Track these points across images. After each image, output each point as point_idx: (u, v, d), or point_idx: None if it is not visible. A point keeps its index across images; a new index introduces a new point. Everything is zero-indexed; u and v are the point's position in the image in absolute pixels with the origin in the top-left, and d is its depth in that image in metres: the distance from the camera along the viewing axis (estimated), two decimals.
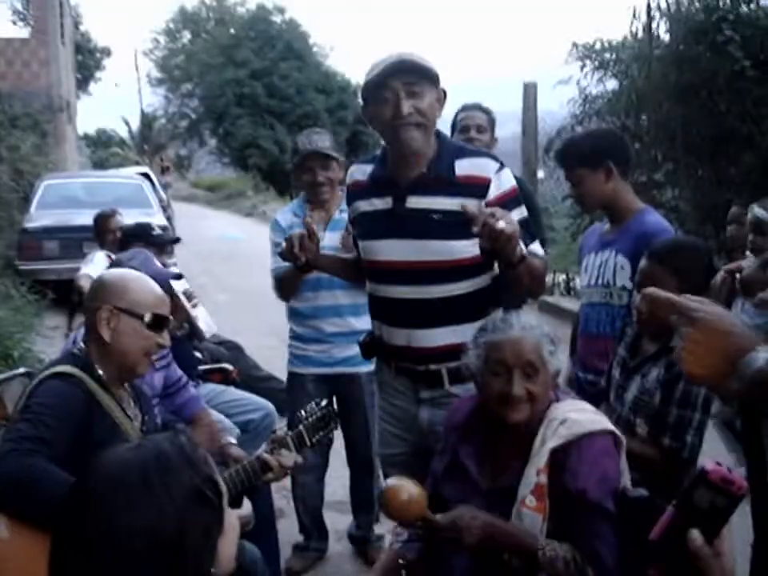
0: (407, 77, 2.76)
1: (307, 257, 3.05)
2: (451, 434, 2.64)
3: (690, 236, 3.19)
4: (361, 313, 3.93)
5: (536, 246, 2.92)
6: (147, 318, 2.66)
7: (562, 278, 11.17)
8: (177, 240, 4.02)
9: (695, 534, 1.08)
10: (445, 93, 2.90)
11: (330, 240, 3.88)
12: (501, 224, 2.46)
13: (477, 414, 2.57)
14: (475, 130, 4.29)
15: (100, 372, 2.62)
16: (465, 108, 4.45)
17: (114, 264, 3.97)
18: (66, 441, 2.41)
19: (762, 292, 3.23)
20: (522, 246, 2.66)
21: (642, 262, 2.92)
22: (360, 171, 3.10)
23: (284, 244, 3.94)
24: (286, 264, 3.95)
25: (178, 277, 4.05)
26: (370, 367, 3.88)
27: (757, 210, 3.62)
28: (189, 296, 4.23)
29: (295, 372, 4.23)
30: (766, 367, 1.36)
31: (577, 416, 2.39)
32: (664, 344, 2.83)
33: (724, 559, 1.10)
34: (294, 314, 4.21)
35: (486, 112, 4.44)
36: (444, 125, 3.01)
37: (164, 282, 3.63)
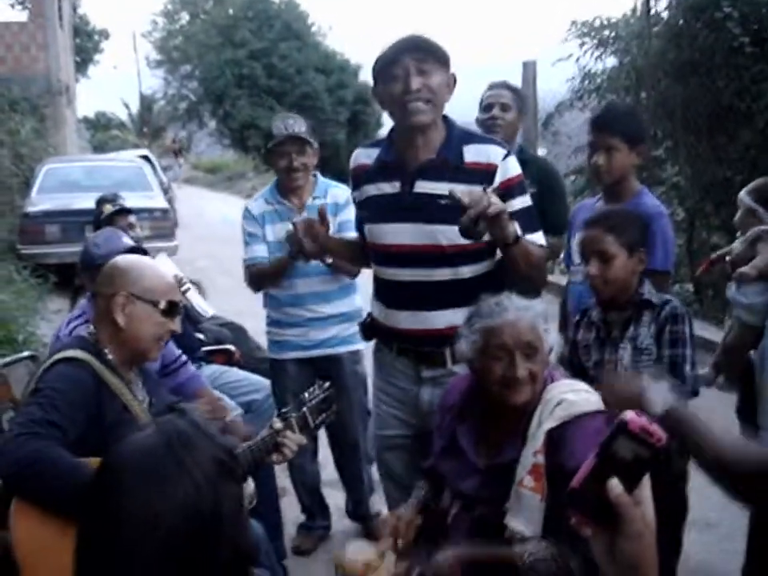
0: (418, 54, 2.79)
1: (315, 242, 3.09)
2: (446, 414, 2.68)
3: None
4: (335, 299, 4.05)
5: (537, 236, 2.96)
6: (162, 304, 2.73)
7: (562, 255, 11.15)
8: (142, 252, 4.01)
9: (614, 483, 1.12)
10: (455, 77, 2.92)
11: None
12: (484, 203, 2.52)
13: (472, 395, 2.61)
14: (499, 108, 4.23)
15: (110, 356, 2.67)
16: (491, 86, 4.40)
17: (86, 246, 3.99)
18: (77, 424, 2.45)
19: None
20: (516, 227, 2.70)
21: (581, 233, 3.10)
22: (365, 155, 3.12)
23: (257, 233, 4.01)
24: (262, 255, 4.00)
25: (140, 251, 4.04)
26: (349, 348, 4.03)
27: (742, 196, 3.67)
28: (179, 282, 4.25)
29: (276, 358, 4.25)
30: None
31: (573, 397, 2.43)
32: (634, 306, 3.00)
33: (643, 508, 1.14)
34: (271, 301, 4.22)
35: (513, 90, 4.39)
36: (460, 108, 3.04)
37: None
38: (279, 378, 4.19)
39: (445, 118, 2.98)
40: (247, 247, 4.13)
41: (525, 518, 2.33)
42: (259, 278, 4.08)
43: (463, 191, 2.62)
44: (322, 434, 4.38)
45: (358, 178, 3.15)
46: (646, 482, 1.16)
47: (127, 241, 4.09)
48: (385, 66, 2.85)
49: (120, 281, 2.70)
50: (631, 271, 2.99)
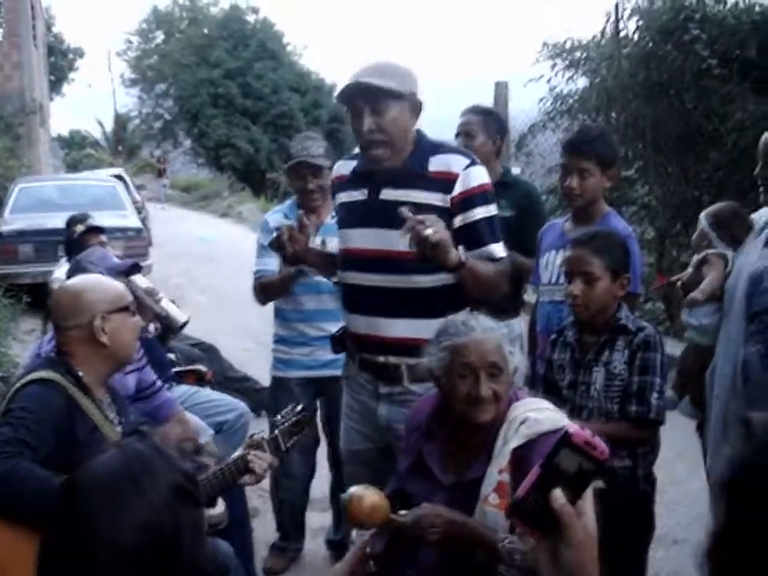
0: (370, 97, 2.88)
1: (295, 248, 3.11)
2: (413, 434, 2.70)
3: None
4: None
5: (496, 247, 3.01)
6: (131, 306, 2.84)
7: None
8: (138, 268, 4.04)
9: (558, 494, 1.15)
10: (420, 103, 3.00)
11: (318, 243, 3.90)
12: (428, 231, 2.58)
13: (438, 414, 2.64)
14: (464, 136, 4.22)
15: (81, 374, 2.69)
16: (461, 113, 4.37)
17: (73, 266, 4.02)
18: (49, 444, 2.48)
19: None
20: (461, 253, 2.75)
21: (568, 252, 3.13)
22: (345, 166, 3.23)
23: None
24: (271, 268, 4.01)
25: (136, 267, 4.07)
26: None
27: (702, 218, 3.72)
28: (150, 292, 4.26)
29: (279, 376, 4.25)
30: None
31: (536, 415, 2.46)
32: (609, 330, 3.02)
33: (585, 518, 1.17)
34: (280, 316, 4.23)
35: (482, 113, 4.35)
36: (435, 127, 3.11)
37: (123, 273, 3.75)
38: (281, 397, 4.14)
39: (416, 132, 3.06)
40: (258, 259, 4.14)
41: None
42: (265, 289, 4.07)
43: (413, 215, 2.67)
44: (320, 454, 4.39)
45: (335, 188, 3.26)
46: (589, 493, 1.19)
47: (116, 260, 4.12)
48: (345, 104, 2.98)
49: (88, 306, 2.74)
50: (612, 295, 3.02)
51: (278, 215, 4.28)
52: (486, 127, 4.24)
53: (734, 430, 3.12)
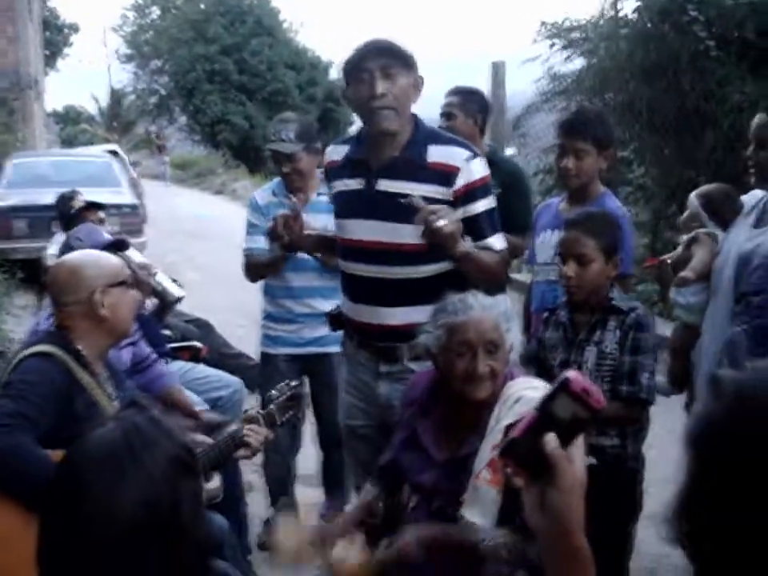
0: (383, 59, 2.86)
1: (291, 236, 3.14)
2: (408, 408, 2.72)
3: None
4: (330, 296, 3.97)
5: (495, 239, 3.03)
6: (128, 279, 2.86)
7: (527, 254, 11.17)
8: (125, 245, 4.02)
9: (551, 438, 1.17)
10: (422, 79, 2.99)
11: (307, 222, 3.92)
12: (440, 222, 2.59)
13: (434, 389, 2.65)
14: (445, 118, 4.25)
15: (79, 348, 2.70)
16: (445, 94, 4.40)
17: (64, 243, 4.03)
18: (48, 418, 2.49)
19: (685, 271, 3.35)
20: (466, 243, 2.78)
21: (563, 234, 3.14)
22: (336, 152, 3.20)
23: (259, 223, 4.03)
24: (261, 246, 4.02)
25: (122, 242, 4.06)
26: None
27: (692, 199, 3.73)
28: (145, 267, 4.27)
29: (267, 352, 4.28)
30: None
31: (532, 393, 2.46)
32: (601, 310, 3.03)
33: (575, 466, 1.19)
34: (268, 292, 4.25)
35: (462, 93, 4.36)
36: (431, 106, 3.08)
37: (110, 248, 3.75)
38: (269, 373, 4.19)
39: (413, 116, 3.03)
40: (247, 236, 4.16)
41: (480, 509, 2.37)
42: (255, 268, 4.10)
43: (424, 205, 2.68)
44: (305, 431, 4.41)
45: (329, 174, 3.23)
46: (580, 442, 1.21)
47: (107, 236, 4.12)
48: (352, 70, 2.92)
49: (87, 281, 2.75)
50: (606, 276, 3.04)
51: (266, 192, 4.30)
52: (466, 107, 4.27)
53: (703, 389, 3.15)
